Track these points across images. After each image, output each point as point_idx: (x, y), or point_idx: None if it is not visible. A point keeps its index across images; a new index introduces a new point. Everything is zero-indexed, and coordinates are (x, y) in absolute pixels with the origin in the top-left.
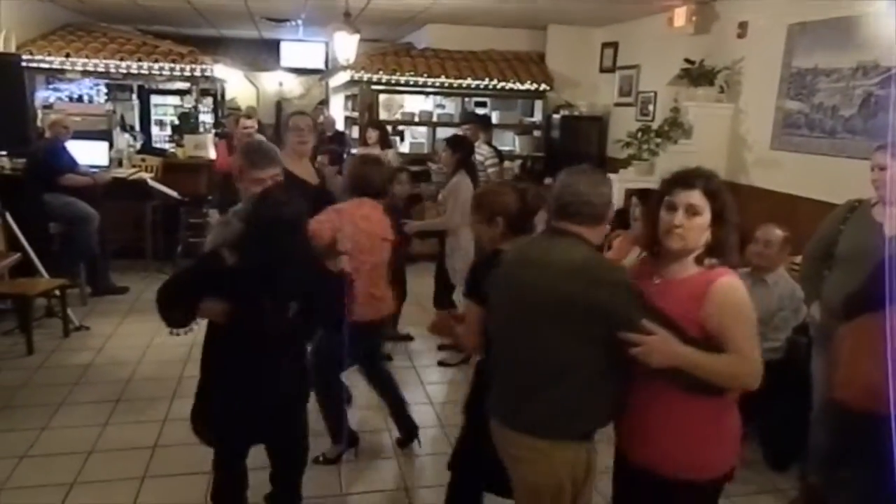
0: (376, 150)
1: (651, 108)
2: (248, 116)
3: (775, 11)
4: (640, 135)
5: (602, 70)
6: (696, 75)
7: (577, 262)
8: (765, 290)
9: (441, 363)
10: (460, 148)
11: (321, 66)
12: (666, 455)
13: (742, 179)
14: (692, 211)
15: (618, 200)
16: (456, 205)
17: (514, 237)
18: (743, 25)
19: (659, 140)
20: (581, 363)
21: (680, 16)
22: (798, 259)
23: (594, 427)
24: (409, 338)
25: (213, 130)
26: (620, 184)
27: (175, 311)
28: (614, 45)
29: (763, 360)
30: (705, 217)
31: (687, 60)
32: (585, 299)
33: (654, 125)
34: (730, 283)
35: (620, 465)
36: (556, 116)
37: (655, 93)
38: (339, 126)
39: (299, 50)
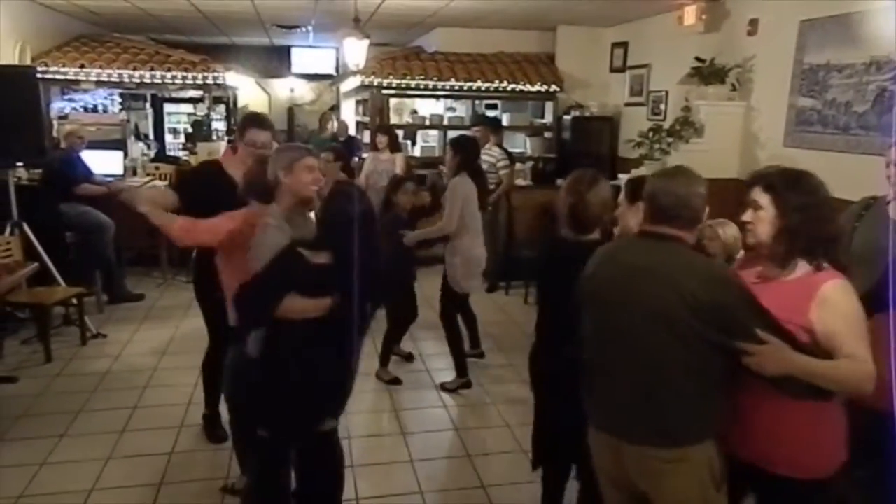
0: (386, 155)
1: (662, 107)
2: None
3: (786, 8)
4: (651, 134)
5: (612, 70)
6: (707, 73)
7: (692, 265)
8: None
9: (443, 386)
10: (462, 150)
11: (332, 71)
12: (770, 453)
13: None
14: (754, 206)
15: None
16: (453, 207)
17: (576, 233)
18: (753, 22)
19: (670, 139)
20: (697, 365)
21: (690, 14)
22: None
23: (719, 422)
24: (410, 357)
25: (226, 138)
26: None
27: (261, 312)
28: (624, 45)
29: None
30: (768, 210)
31: (698, 59)
32: (703, 301)
33: (666, 124)
34: (840, 285)
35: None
36: (566, 117)
37: (666, 92)
38: (352, 131)
39: (310, 56)
